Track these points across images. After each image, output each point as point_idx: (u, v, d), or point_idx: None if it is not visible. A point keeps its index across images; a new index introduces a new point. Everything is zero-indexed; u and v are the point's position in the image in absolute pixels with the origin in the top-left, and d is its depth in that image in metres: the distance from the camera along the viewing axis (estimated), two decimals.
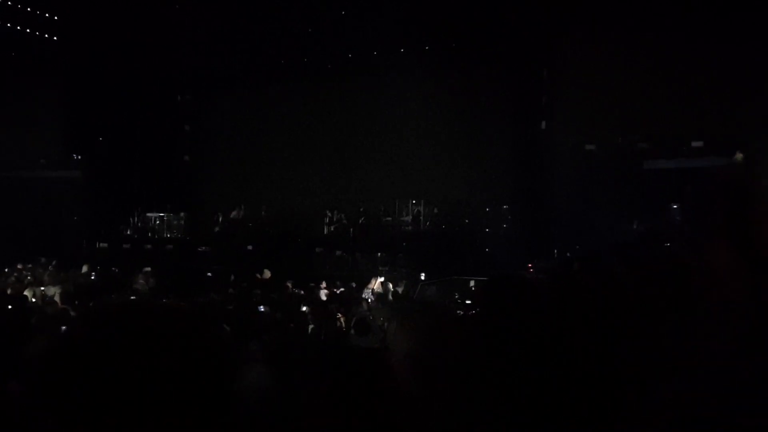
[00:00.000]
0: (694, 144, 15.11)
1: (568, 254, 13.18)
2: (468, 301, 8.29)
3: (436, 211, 17.73)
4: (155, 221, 20.10)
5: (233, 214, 19.57)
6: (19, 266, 15.33)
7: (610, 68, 15.60)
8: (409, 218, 17.86)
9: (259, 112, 21.20)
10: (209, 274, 14.41)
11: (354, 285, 13.16)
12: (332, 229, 18.45)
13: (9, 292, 11.37)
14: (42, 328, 4.67)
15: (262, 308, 8.53)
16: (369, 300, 11.69)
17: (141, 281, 12.88)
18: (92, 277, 14.04)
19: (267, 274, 13.92)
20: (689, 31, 14.87)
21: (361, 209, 18.22)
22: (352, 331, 6.46)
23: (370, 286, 13.45)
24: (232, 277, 14.02)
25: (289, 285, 12.73)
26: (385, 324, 6.46)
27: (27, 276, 14.29)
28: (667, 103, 14.98)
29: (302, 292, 12.05)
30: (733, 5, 14.31)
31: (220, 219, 19.77)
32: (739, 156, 11.14)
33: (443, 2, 17.24)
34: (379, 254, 16.44)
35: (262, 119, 21.11)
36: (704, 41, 14.67)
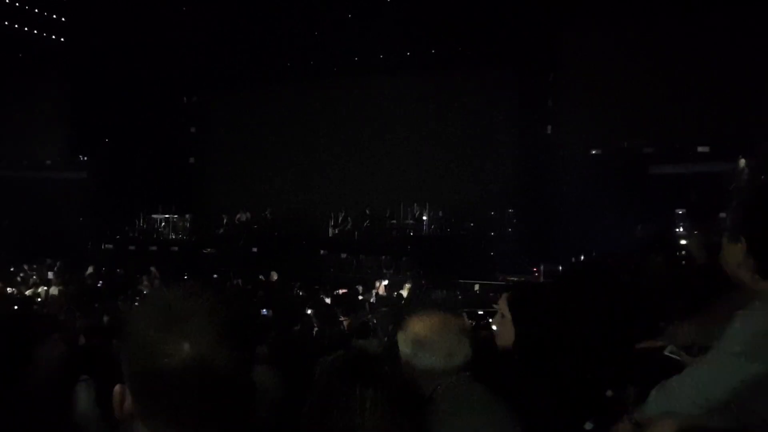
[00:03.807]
0: (700, 149, 15.06)
1: (573, 259, 13.15)
2: (479, 311, 8.25)
3: (441, 214, 17.70)
4: (160, 223, 20.14)
5: (239, 216, 19.58)
6: (25, 267, 15.39)
7: (616, 73, 15.59)
8: (413, 221, 17.83)
9: (265, 114, 21.24)
10: (215, 275, 14.41)
11: (360, 288, 13.13)
12: (337, 231, 18.45)
13: (15, 292, 11.43)
14: (48, 330, 4.68)
15: (265, 311, 8.50)
16: (373, 302, 11.68)
17: (146, 283, 12.91)
18: (98, 279, 14.07)
19: (274, 276, 13.91)
20: (695, 36, 14.84)
21: (367, 212, 18.20)
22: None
23: (375, 289, 13.45)
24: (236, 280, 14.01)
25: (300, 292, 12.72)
26: (390, 328, 6.45)
27: (32, 276, 14.36)
28: (673, 108, 14.95)
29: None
30: (740, 12, 14.29)
31: (225, 221, 19.80)
32: (742, 161, 11.15)
33: (450, 5, 17.25)
34: (383, 257, 16.42)
35: (267, 121, 21.15)
36: (710, 47, 14.65)
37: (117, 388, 1.03)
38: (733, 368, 1.81)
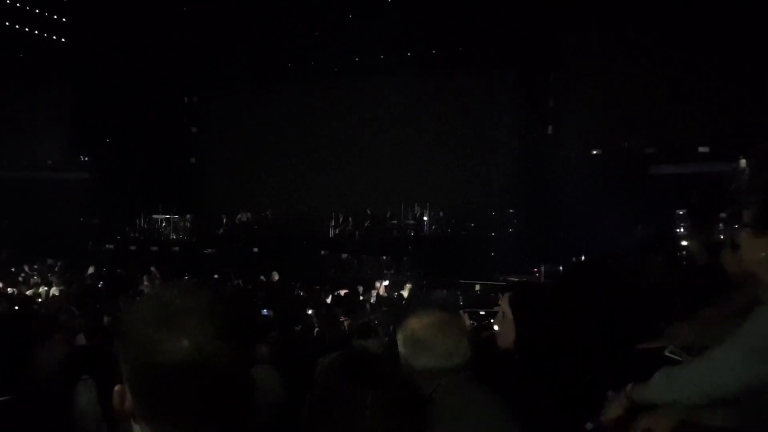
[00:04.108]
0: (701, 149, 15.06)
1: (574, 259, 13.15)
2: (481, 312, 8.23)
3: (441, 214, 17.70)
4: (161, 223, 20.15)
5: (239, 216, 19.59)
6: (26, 267, 15.37)
7: (616, 73, 15.59)
8: (414, 222, 17.83)
9: (266, 114, 21.24)
10: (215, 276, 14.41)
11: (360, 288, 13.13)
12: (338, 231, 18.45)
13: (15, 292, 11.42)
14: (48, 330, 4.69)
15: (265, 312, 8.50)
16: (373, 302, 11.67)
17: (147, 283, 12.89)
18: (98, 279, 14.05)
19: (275, 276, 13.89)
20: (695, 36, 14.84)
21: (367, 212, 18.21)
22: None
23: (376, 289, 13.43)
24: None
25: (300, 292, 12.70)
26: (391, 328, 6.45)
27: (33, 276, 14.35)
28: (673, 108, 14.95)
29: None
30: (740, 12, 14.29)
31: (225, 221, 19.81)
32: (742, 161, 11.14)
33: (450, 5, 17.26)
34: (384, 257, 16.42)
35: (268, 121, 21.15)
36: (710, 47, 14.64)
37: (117, 387, 1.03)
38: (744, 365, 1.77)
